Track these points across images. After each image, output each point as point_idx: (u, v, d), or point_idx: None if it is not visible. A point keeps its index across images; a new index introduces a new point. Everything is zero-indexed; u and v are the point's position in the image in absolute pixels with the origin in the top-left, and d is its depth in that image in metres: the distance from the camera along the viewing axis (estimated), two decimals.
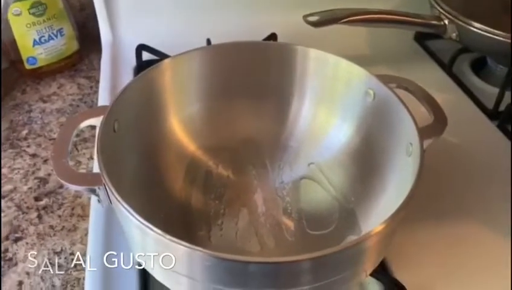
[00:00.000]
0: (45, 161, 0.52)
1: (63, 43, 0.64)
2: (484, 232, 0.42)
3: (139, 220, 0.29)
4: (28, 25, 0.60)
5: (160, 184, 0.42)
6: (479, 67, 0.64)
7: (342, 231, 0.39)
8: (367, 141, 0.41)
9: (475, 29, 0.54)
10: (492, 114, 0.56)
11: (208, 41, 0.60)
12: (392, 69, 0.59)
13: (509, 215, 0.43)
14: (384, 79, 0.40)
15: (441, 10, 0.58)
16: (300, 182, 0.43)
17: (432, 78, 0.60)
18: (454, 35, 0.57)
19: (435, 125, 0.37)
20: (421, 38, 0.69)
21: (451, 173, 0.48)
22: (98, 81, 0.61)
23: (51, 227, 0.45)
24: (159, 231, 0.28)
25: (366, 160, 0.40)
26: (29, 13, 0.60)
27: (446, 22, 0.57)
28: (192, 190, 0.43)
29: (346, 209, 0.40)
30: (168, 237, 0.28)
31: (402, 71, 0.58)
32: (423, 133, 0.35)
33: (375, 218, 0.36)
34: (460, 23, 0.56)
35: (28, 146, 0.54)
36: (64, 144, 0.35)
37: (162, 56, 0.57)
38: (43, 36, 0.61)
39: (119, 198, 0.30)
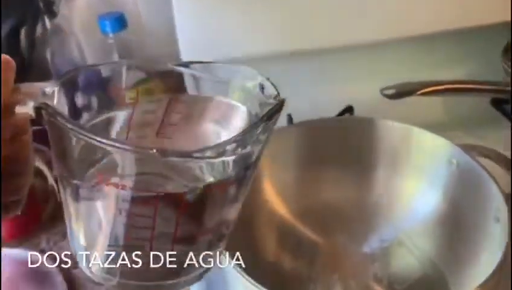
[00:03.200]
0: None
1: None
2: None
3: (248, 281, 0.32)
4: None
5: (255, 247, 0.45)
6: None
7: None
8: (454, 208, 0.42)
9: None
10: None
11: (289, 117, 0.65)
12: (470, 135, 0.60)
13: None
14: (467, 148, 0.42)
15: None
16: (389, 248, 0.45)
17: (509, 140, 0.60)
18: None
19: None
20: (498, 103, 0.70)
21: None
22: None
23: None
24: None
25: (455, 227, 0.41)
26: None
27: None
28: (284, 253, 0.46)
29: (436, 277, 0.41)
30: None
31: (480, 136, 0.60)
32: (510, 199, 0.36)
33: (468, 287, 0.36)
34: None
35: None
36: None
37: None
38: None
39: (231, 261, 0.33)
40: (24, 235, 0.56)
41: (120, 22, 0.65)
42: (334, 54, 0.70)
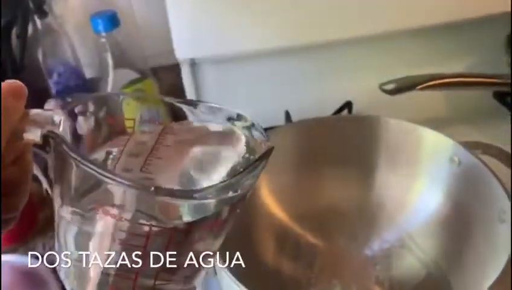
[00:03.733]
0: None
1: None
2: None
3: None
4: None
5: (253, 251, 0.44)
6: None
7: None
8: (457, 208, 0.41)
9: None
10: None
11: (287, 114, 0.64)
12: (473, 129, 0.59)
13: None
14: (469, 145, 0.41)
15: None
16: (391, 250, 0.44)
17: None
18: None
19: None
20: (500, 95, 0.68)
21: None
22: None
23: None
24: None
25: (458, 228, 0.40)
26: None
27: None
28: (283, 257, 0.45)
29: (439, 279, 0.40)
30: None
31: (483, 130, 0.59)
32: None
33: (472, 288, 0.36)
34: None
35: None
36: None
37: None
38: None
39: (228, 273, 0.33)
40: (20, 240, 0.56)
41: (112, 20, 0.64)
42: (332, 49, 0.69)
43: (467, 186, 0.40)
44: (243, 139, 0.28)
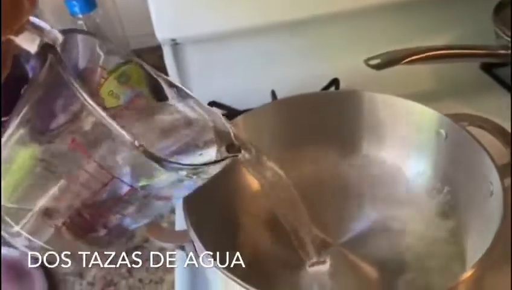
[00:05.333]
0: None
1: None
2: None
3: (228, 276, 0.30)
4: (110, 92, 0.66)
5: (242, 233, 0.44)
6: None
7: (426, 277, 0.38)
8: (445, 182, 0.40)
9: None
10: None
11: (273, 93, 0.62)
12: (461, 102, 0.58)
13: None
14: (456, 118, 0.40)
15: (508, 38, 0.57)
16: (379, 225, 0.43)
17: (502, 106, 0.58)
18: None
19: None
20: (488, 67, 0.67)
21: None
22: None
23: (140, 280, 0.48)
24: (242, 283, 0.30)
25: (446, 202, 0.40)
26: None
27: None
28: (268, 236, 0.44)
29: (427, 255, 0.39)
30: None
31: (471, 103, 0.58)
32: (503, 171, 0.34)
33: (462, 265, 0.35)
34: None
35: None
36: None
37: (232, 111, 0.60)
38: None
39: (208, 256, 0.32)
40: None
41: (89, 2, 0.62)
42: (317, 26, 0.68)
43: (455, 159, 0.39)
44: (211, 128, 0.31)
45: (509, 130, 0.40)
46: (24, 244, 0.27)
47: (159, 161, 0.24)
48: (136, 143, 0.23)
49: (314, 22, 0.67)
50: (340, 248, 0.41)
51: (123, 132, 0.23)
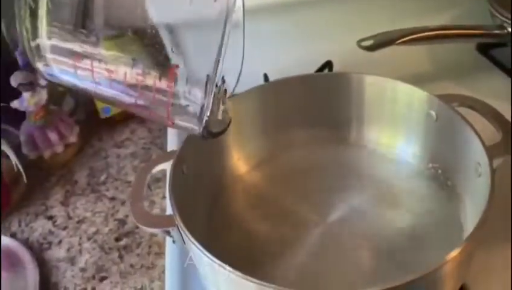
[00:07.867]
0: (123, 203, 0.56)
1: None
2: None
3: (210, 259, 0.30)
4: None
5: (230, 218, 0.43)
6: None
7: (418, 257, 0.37)
8: (436, 163, 0.40)
9: None
10: None
11: (265, 76, 0.61)
12: (457, 84, 0.58)
13: None
14: (446, 98, 0.39)
15: (504, 18, 0.56)
16: (369, 206, 0.42)
17: (499, 88, 0.57)
18: None
19: (504, 143, 0.36)
20: (484, 48, 0.66)
21: None
22: None
23: (131, 266, 0.48)
24: (229, 268, 0.29)
25: (436, 183, 0.39)
26: None
27: (510, 29, 0.55)
28: (260, 222, 0.44)
29: (420, 234, 0.39)
30: (239, 273, 0.29)
31: (467, 84, 0.57)
32: (492, 152, 0.33)
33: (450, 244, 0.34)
34: None
35: (107, 190, 0.58)
36: (140, 189, 0.38)
37: None
38: None
39: (192, 239, 0.31)
40: None
41: None
42: (310, 8, 0.67)
43: (445, 140, 0.39)
44: None
45: (501, 111, 0.39)
46: None
47: None
48: None
49: (307, 4, 0.66)
50: (330, 227, 0.41)
51: None
